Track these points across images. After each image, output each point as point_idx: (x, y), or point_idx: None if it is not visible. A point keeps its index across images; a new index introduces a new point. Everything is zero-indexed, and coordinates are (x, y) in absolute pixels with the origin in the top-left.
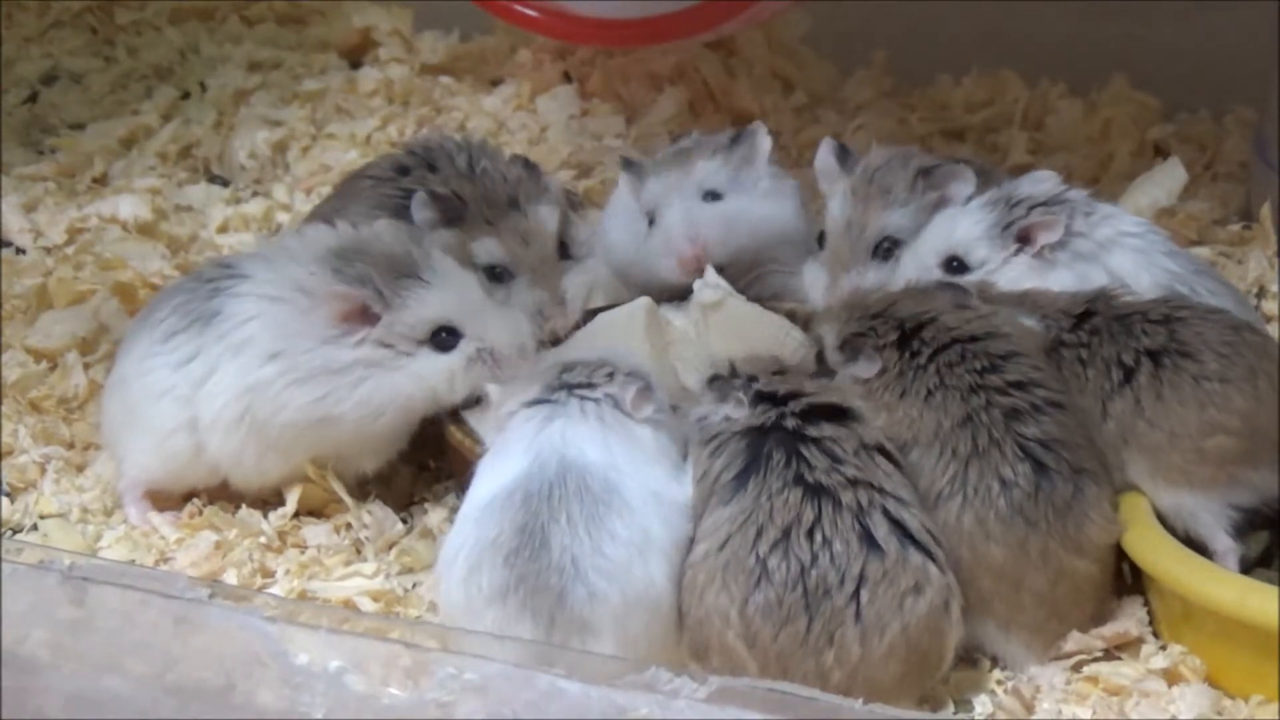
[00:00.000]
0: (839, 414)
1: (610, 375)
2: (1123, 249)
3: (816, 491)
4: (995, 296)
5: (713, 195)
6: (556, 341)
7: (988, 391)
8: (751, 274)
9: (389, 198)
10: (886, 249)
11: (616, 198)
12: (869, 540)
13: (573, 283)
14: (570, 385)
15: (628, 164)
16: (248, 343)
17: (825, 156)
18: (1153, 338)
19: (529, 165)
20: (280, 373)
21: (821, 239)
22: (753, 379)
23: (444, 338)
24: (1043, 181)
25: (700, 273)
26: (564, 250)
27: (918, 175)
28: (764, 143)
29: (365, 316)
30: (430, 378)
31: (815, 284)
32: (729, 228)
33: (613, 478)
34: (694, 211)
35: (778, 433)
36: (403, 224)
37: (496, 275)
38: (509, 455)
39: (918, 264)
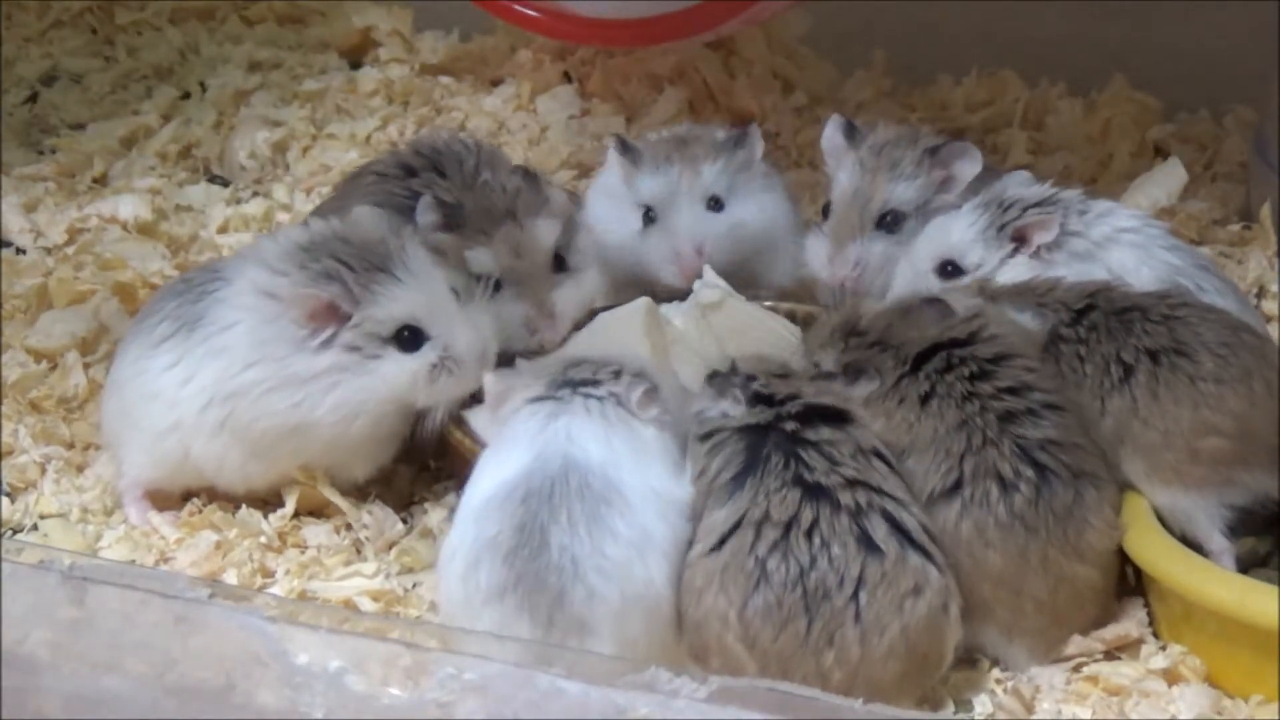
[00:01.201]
0: (836, 418)
1: (616, 374)
2: (1121, 245)
3: (815, 492)
4: (996, 292)
5: (715, 202)
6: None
7: (981, 399)
8: (743, 272)
9: (393, 196)
10: (890, 221)
11: (605, 178)
12: (868, 542)
13: (564, 297)
14: (575, 382)
15: (624, 147)
16: (227, 349)
17: (833, 134)
18: (1154, 337)
19: (529, 175)
20: (257, 380)
21: (826, 210)
22: (751, 378)
23: (407, 337)
24: (1025, 182)
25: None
26: (560, 263)
27: (925, 153)
28: (759, 146)
29: (333, 313)
30: (396, 380)
31: (817, 253)
32: (732, 237)
33: (614, 475)
34: (701, 221)
35: (776, 434)
36: (384, 214)
37: (487, 285)
38: (512, 450)
39: (913, 271)
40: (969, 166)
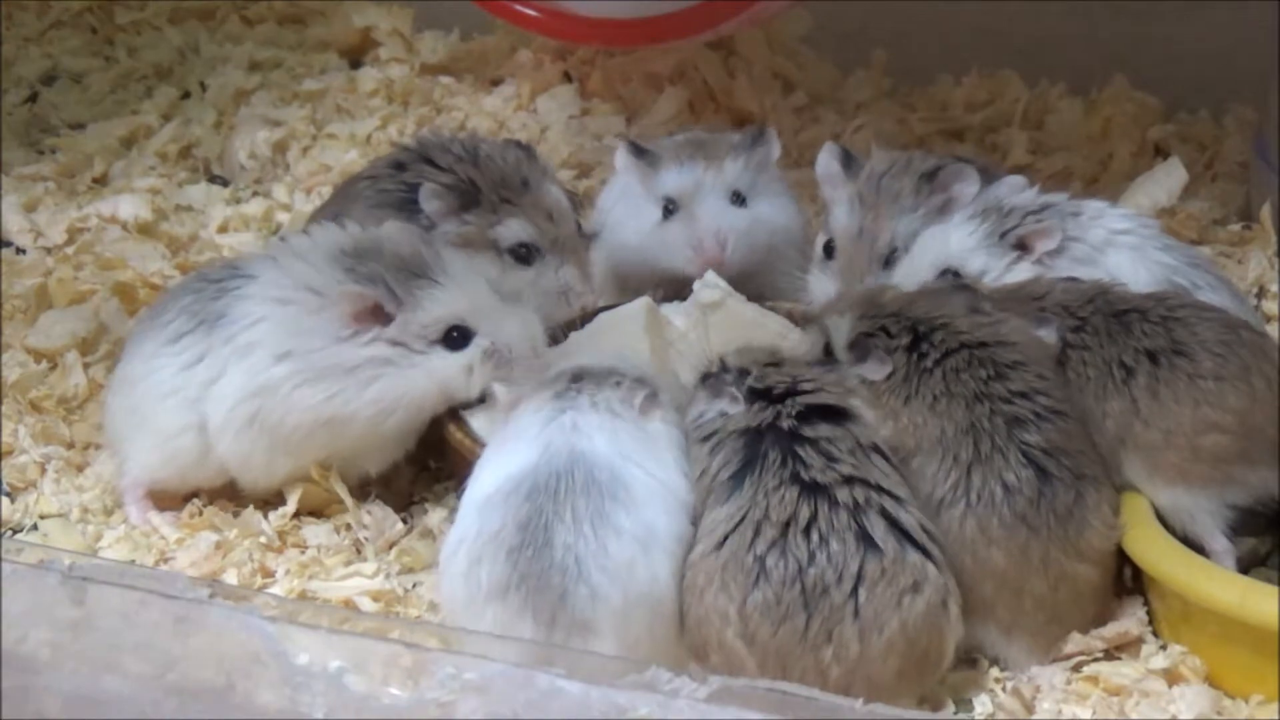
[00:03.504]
0: (835, 414)
1: (618, 383)
2: (1118, 248)
3: (813, 490)
4: (989, 295)
5: (738, 197)
6: (570, 326)
7: (991, 400)
8: (754, 276)
9: (389, 194)
10: (896, 257)
11: (618, 181)
12: (866, 539)
13: (595, 260)
14: (581, 389)
15: (638, 150)
16: (256, 344)
17: (828, 162)
18: (1152, 339)
19: (523, 146)
20: (290, 373)
21: (828, 248)
22: (744, 372)
23: (455, 337)
24: (1019, 189)
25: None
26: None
27: (921, 179)
28: (776, 147)
29: (377, 316)
30: (444, 376)
31: (824, 295)
32: (753, 233)
33: (620, 467)
34: (725, 214)
35: (774, 432)
36: (411, 225)
37: (522, 255)
38: (518, 444)
39: (912, 278)
40: (968, 188)
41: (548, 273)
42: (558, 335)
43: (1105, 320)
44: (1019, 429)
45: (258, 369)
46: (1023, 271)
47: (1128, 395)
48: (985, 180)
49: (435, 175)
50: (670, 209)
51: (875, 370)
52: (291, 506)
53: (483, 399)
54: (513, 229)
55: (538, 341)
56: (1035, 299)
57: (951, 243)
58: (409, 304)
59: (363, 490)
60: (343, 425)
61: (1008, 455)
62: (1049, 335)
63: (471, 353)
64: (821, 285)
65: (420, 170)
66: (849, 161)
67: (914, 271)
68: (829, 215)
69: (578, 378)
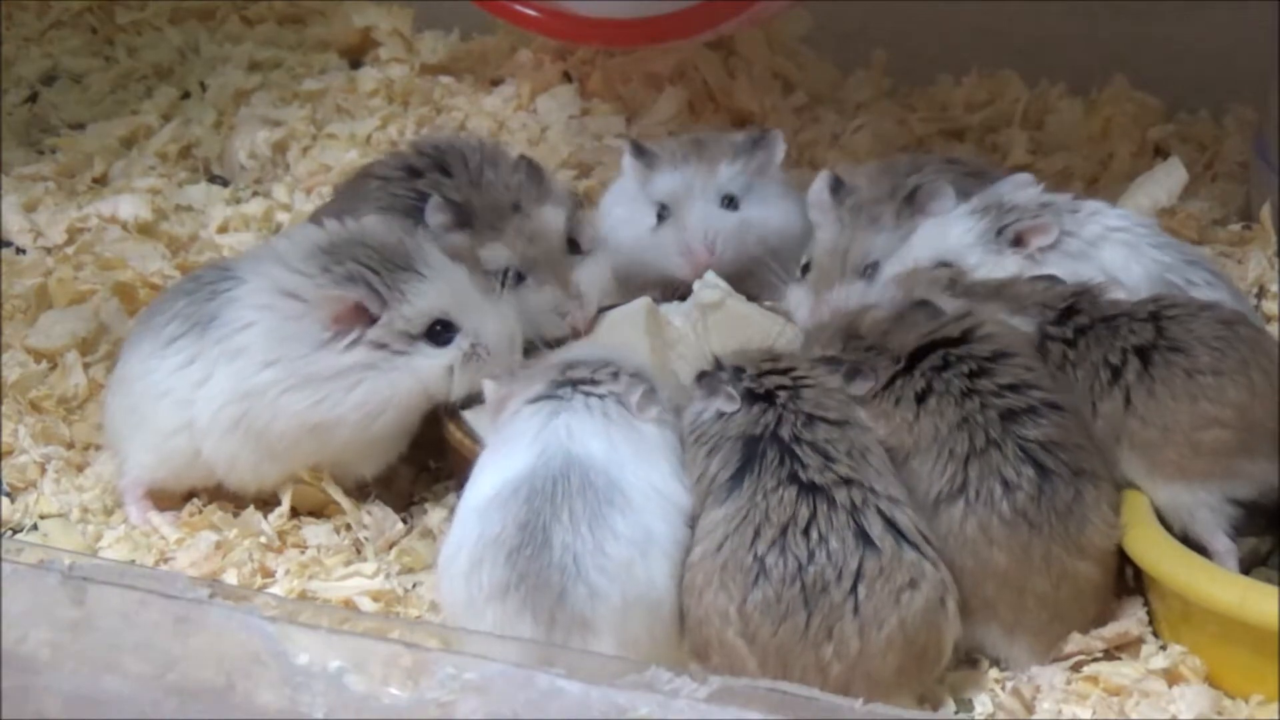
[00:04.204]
0: (833, 419)
1: (615, 374)
2: (1111, 243)
3: (811, 490)
4: (970, 288)
5: (730, 200)
6: (566, 339)
7: (980, 395)
8: (751, 277)
9: (399, 198)
10: (871, 271)
11: (619, 184)
12: (864, 538)
13: (586, 276)
14: (575, 382)
15: (638, 150)
16: (245, 349)
17: (820, 190)
18: (1139, 335)
19: (532, 168)
20: (276, 379)
21: (805, 268)
22: (740, 370)
23: (439, 331)
24: (1024, 186)
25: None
26: (574, 247)
27: (903, 203)
28: (780, 151)
29: (359, 315)
30: (427, 373)
31: (800, 305)
32: (743, 236)
33: (616, 473)
34: (713, 216)
35: (774, 436)
36: (394, 220)
37: (506, 279)
38: (514, 449)
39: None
40: (943, 204)
41: (529, 295)
42: (543, 348)
43: (1093, 322)
44: (1014, 423)
45: (245, 373)
46: (1014, 264)
47: (1118, 395)
48: (982, 182)
49: (445, 188)
50: (663, 215)
51: (860, 388)
52: (286, 507)
53: (481, 398)
54: (493, 254)
55: (516, 338)
56: (1019, 302)
57: (950, 236)
58: (392, 299)
59: (362, 491)
60: (329, 431)
61: (1005, 450)
62: (1025, 324)
63: (452, 353)
64: (796, 296)
65: (435, 180)
66: (838, 189)
67: (907, 263)
68: (814, 239)
69: (572, 367)
